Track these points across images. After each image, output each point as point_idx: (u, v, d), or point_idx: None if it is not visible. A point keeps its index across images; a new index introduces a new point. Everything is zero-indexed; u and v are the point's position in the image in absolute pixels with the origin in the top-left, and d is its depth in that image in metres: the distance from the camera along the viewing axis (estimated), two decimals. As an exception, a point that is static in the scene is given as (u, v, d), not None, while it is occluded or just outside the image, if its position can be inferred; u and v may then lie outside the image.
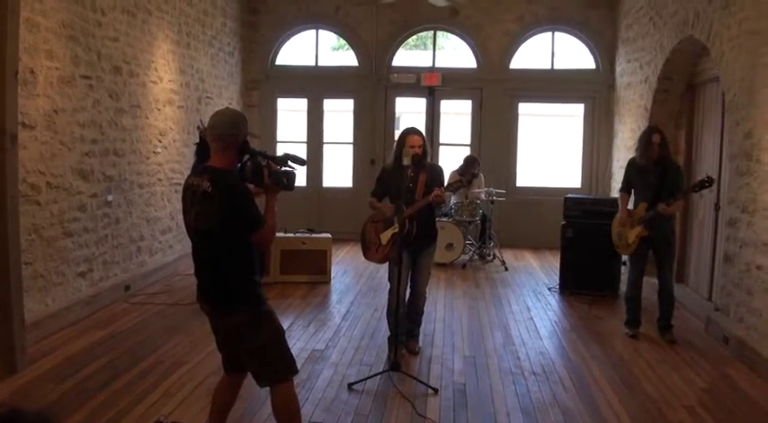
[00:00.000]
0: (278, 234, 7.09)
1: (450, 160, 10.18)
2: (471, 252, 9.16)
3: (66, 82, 5.58)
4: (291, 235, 7.65)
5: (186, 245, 6.66)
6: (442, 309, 6.61)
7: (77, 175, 5.86)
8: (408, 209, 4.65)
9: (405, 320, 5.05)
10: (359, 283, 7.64)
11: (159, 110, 7.51)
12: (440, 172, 4.94)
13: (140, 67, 6.99)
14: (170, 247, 7.88)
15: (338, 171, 11.37)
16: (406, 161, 4.50)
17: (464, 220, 8.80)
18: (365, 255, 5.01)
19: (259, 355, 2.97)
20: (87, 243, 6.08)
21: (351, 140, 11.00)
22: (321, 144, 11.03)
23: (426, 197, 4.64)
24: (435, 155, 10.51)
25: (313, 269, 7.55)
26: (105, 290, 6.36)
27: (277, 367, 3.00)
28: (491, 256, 9.19)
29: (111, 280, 6.51)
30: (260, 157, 2.98)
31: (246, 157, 2.96)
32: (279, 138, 11.09)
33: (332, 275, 7.75)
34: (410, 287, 4.97)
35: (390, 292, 4.91)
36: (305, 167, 10.75)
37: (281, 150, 11.13)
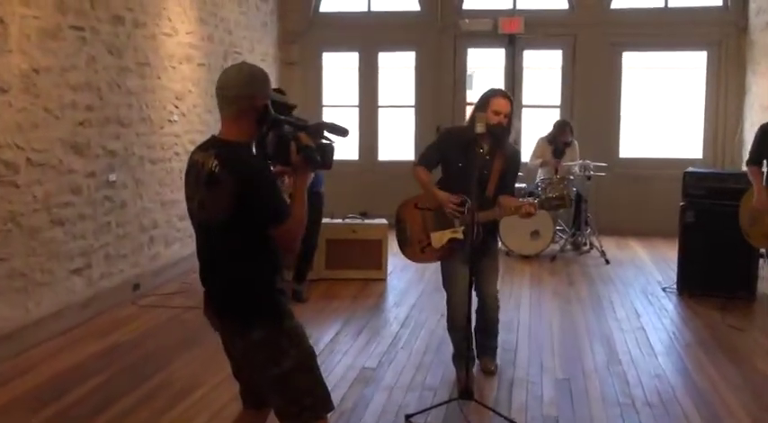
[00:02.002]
0: (324, 220, 7.16)
1: (536, 126, 10.09)
2: (563, 241, 9.10)
3: (49, 34, 5.51)
4: (339, 221, 7.65)
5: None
6: (526, 314, 6.47)
7: (69, 150, 5.81)
8: (482, 214, 4.40)
9: (476, 334, 4.94)
10: (422, 279, 7.52)
11: (174, 68, 7.46)
12: (518, 163, 4.76)
13: (148, 15, 6.93)
14: (190, 237, 7.43)
15: (397, 141, 11.34)
16: (480, 128, 4.21)
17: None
18: (402, 250, 4.82)
19: (281, 385, 2.83)
20: (84, 233, 6.05)
21: (412, 103, 10.94)
22: (375, 108, 11.00)
23: (508, 205, 4.42)
24: (517, 118, 10.34)
25: (366, 263, 7.52)
26: (107, 290, 6.36)
27: (305, 403, 2.84)
28: (587, 246, 9.13)
29: (115, 277, 6.51)
30: (286, 127, 2.85)
31: (267, 126, 2.82)
32: (324, 102, 11.15)
33: (388, 271, 7.72)
34: (476, 294, 4.75)
35: (448, 302, 4.76)
36: (350, 138, 10.87)
37: (326, 117, 11.10)
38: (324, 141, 2.90)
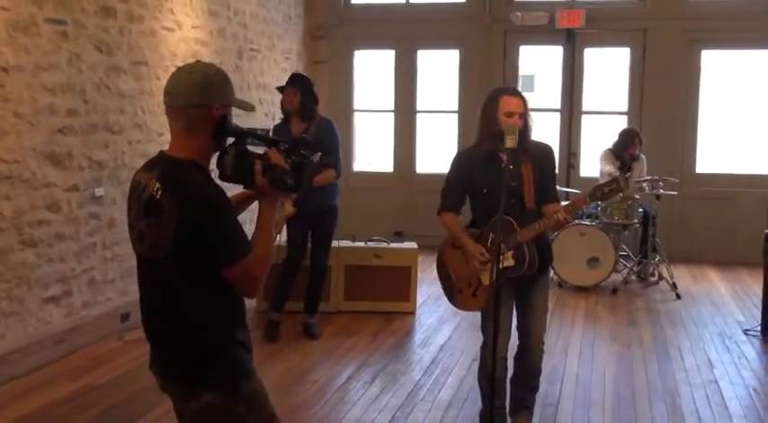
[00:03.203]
0: (343, 243, 7.19)
1: (600, 135, 10.05)
2: (627, 270, 8.83)
3: (21, 28, 5.44)
4: (361, 244, 7.51)
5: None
6: (574, 360, 6.20)
7: (45, 161, 5.76)
8: (523, 231, 4.24)
9: (511, 385, 4.73)
10: (457, 314, 7.17)
11: (177, 67, 7.20)
12: (552, 160, 4.54)
13: (146, 7, 6.86)
14: None
15: (437, 151, 11.26)
16: (510, 142, 4.07)
17: (616, 222, 8.49)
18: (452, 301, 4.69)
19: None
20: (63, 255, 5.99)
21: (455, 108, 10.87)
22: (414, 113, 10.97)
23: (543, 219, 4.26)
24: (577, 127, 10.48)
25: (391, 294, 7.40)
26: (90, 321, 6.26)
27: None
28: (655, 277, 8.90)
29: (99, 307, 6.43)
30: (249, 141, 2.76)
31: (228, 141, 2.74)
32: (355, 106, 11.22)
33: (418, 303, 7.56)
34: (518, 336, 4.61)
35: (485, 347, 4.55)
36: (385, 147, 10.88)
37: (358, 122, 11.02)
38: (297, 159, 2.79)
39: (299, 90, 6.10)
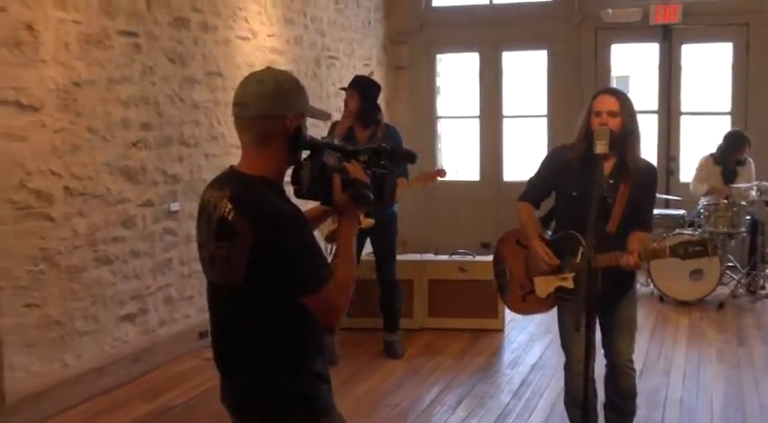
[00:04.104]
0: (426, 256, 7.17)
1: (700, 140, 9.84)
2: (734, 282, 8.52)
3: (93, 41, 5.52)
4: (445, 258, 7.46)
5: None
6: (677, 383, 5.98)
7: (119, 176, 5.83)
8: (600, 258, 3.88)
9: (605, 411, 4.54)
10: (550, 330, 7.00)
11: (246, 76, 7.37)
12: (654, 183, 4.31)
13: (219, 16, 6.91)
14: None
15: (525, 158, 10.87)
16: (601, 147, 3.89)
17: (721, 231, 8.18)
18: (501, 296, 4.72)
19: None
20: (138, 272, 6.03)
21: (543, 112, 10.76)
22: (500, 119, 10.85)
23: (619, 254, 4.02)
24: (675, 129, 10.09)
25: (478, 310, 7.23)
26: (167, 339, 6.31)
27: None
28: (766, 290, 8.60)
29: (177, 324, 6.46)
30: (327, 154, 2.64)
31: (304, 154, 2.63)
32: (439, 112, 11.13)
33: (507, 319, 7.38)
34: (605, 356, 4.45)
35: (566, 367, 4.44)
36: (471, 155, 10.80)
37: (441, 129, 11.12)
38: (378, 171, 2.69)
39: (356, 92, 5.98)
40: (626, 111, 4.05)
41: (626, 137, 4.03)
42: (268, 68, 2.63)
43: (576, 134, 4.19)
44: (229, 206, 2.47)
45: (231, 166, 2.60)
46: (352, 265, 2.58)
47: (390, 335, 6.41)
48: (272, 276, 2.45)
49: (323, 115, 2.71)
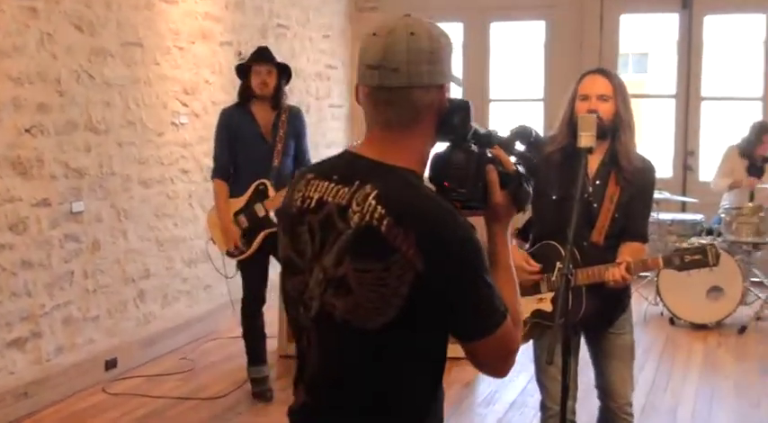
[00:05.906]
0: None
1: (724, 128, 9.86)
2: (758, 302, 8.19)
3: None
4: None
5: (237, 286, 6.39)
6: (687, 421, 5.84)
7: (7, 169, 5.55)
8: (581, 274, 3.80)
9: None
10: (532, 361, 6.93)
11: (182, 49, 7.21)
12: (651, 185, 4.06)
13: None
14: (205, 289, 7.70)
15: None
16: (586, 140, 3.66)
17: (744, 240, 7.95)
18: None
19: None
20: (30, 288, 5.73)
21: (539, 96, 10.60)
22: (486, 102, 10.71)
23: (604, 268, 3.84)
24: (695, 117, 9.82)
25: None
26: (65, 370, 6.00)
27: None
28: None
29: (78, 352, 6.14)
30: (481, 140, 2.30)
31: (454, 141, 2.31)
32: None
33: None
34: (598, 395, 4.22)
35: (543, 406, 4.19)
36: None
37: None
38: (519, 161, 2.43)
39: (275, 68, 5.62)
40: (620, 95, 3.86)
41: (618, 127, 3.84)
42: (410, 17, 2.18)
43: (557, 123, 4.00)
44: (380, 211, 2.05)
45: (350, 152, 2.24)
46: (516, 286, 2.23)
47: None
48: (432, 315, 2.08)
49: (459, 82, 2.34)
